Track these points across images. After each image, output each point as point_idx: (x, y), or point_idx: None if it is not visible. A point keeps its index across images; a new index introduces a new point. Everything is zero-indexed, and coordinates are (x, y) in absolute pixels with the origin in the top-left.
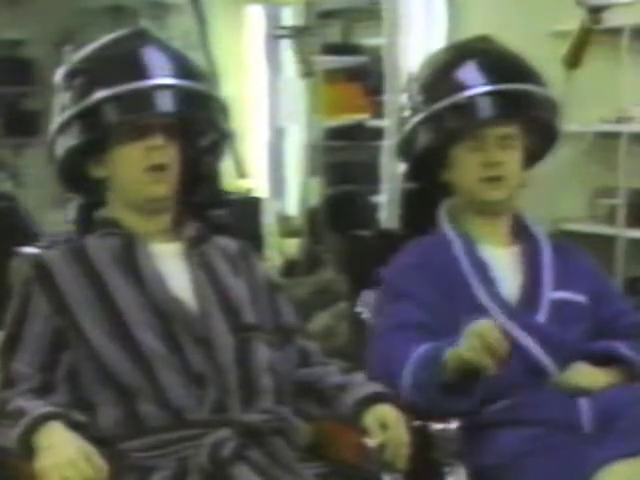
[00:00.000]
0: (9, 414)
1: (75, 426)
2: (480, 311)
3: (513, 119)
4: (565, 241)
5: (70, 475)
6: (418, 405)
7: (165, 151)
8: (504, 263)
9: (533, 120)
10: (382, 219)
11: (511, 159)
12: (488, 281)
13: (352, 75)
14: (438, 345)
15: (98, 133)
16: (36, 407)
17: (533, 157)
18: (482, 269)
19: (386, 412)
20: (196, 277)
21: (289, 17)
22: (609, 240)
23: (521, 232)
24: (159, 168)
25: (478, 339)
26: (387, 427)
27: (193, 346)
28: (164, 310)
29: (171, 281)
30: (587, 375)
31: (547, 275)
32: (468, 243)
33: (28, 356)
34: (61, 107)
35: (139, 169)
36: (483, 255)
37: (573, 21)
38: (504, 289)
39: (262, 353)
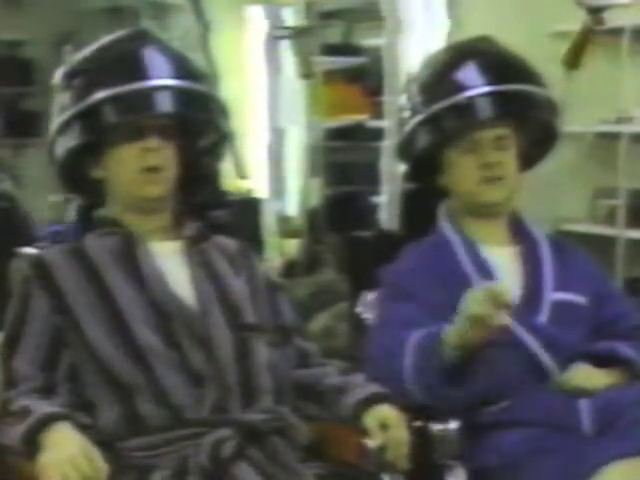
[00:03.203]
0: (14, 413)
1: (81, 427)
2: None
3: (509, 120)
4: (564, 241)
5: (69, 473)
6: (419, 397)
7: (160, 153)
8: (504, 263)
9: (531, 120)
10: (382, 220)
11: (508, 159)
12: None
13: (352, 76)
14: (434, 329)
15: (97, 133)
16: (42, 407)
17: (532, 158)
18: (484, 270)
19: (386, 412)
20: (196, 275)
21: (289, 18)
22: (609, 241)
23: (519, 232)
24: (153, 170)
25: (482, 292)
26: (387, 427)
27: (193, 345)
28: (164, 308)
29: (171, 279)
30: (588, 376)
31: (547, 276)
32: (469, 244)
33: (29, 355)
34: (61, 107)
35: (134, 170)
36: (484, 256)
37: (573, 21)
38: None
39: (262, 352)
